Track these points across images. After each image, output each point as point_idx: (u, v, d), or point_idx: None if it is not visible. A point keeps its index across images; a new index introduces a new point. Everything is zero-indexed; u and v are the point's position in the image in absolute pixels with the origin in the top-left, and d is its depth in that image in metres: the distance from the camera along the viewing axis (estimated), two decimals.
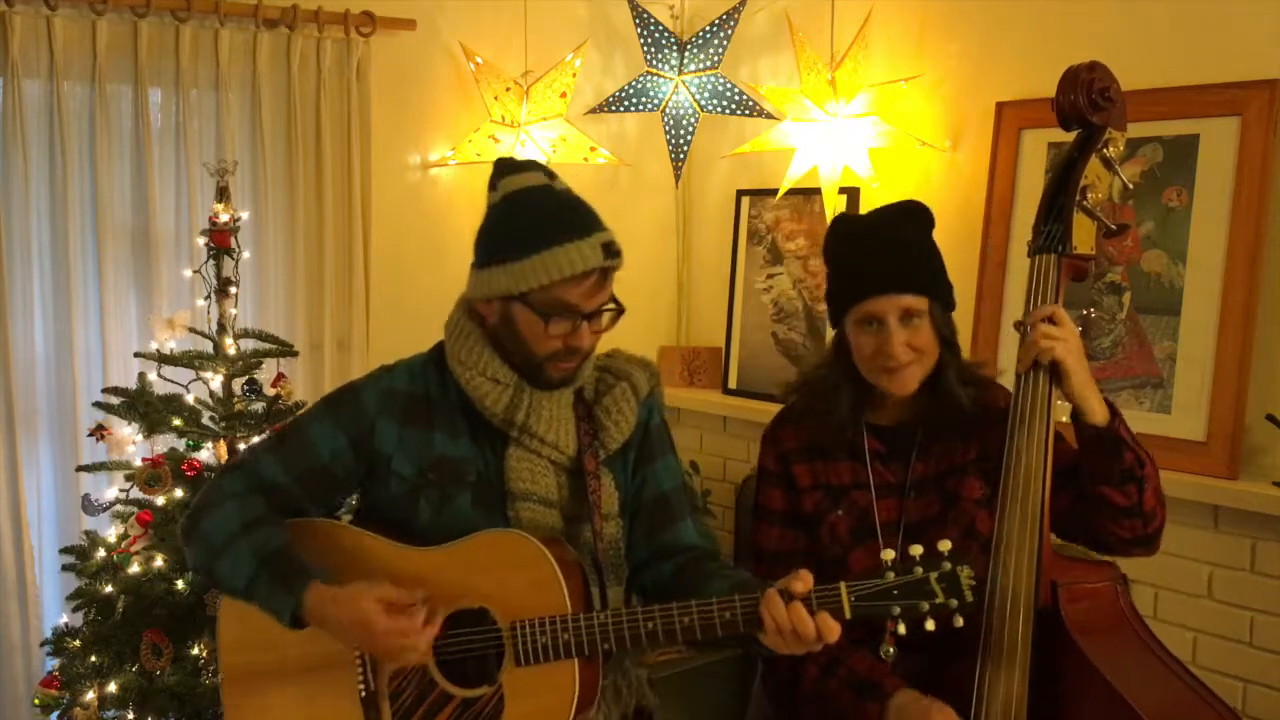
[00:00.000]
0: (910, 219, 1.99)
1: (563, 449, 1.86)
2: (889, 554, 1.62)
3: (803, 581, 1.61)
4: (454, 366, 1.87)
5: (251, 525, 1.79)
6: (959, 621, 1.60)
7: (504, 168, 1.86)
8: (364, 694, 1.79)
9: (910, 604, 1.60)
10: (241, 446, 2.83)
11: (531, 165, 1.87)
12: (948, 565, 1.60)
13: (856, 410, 2.00)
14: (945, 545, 1.61)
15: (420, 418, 1.87)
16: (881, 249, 1.94)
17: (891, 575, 1.61)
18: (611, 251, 1.78)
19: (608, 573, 1.84)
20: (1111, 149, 1.88)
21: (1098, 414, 1.80)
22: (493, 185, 1.85)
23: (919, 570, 1.60)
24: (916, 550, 1.61)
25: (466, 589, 1.76)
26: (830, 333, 2.10)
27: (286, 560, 1.76)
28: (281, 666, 1.82)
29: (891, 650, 1.89)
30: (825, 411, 2.00)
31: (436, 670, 1.76)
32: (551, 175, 1.86)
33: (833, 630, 1.59)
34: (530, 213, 1.78)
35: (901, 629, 1.60)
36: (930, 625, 1.60)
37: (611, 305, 1.83)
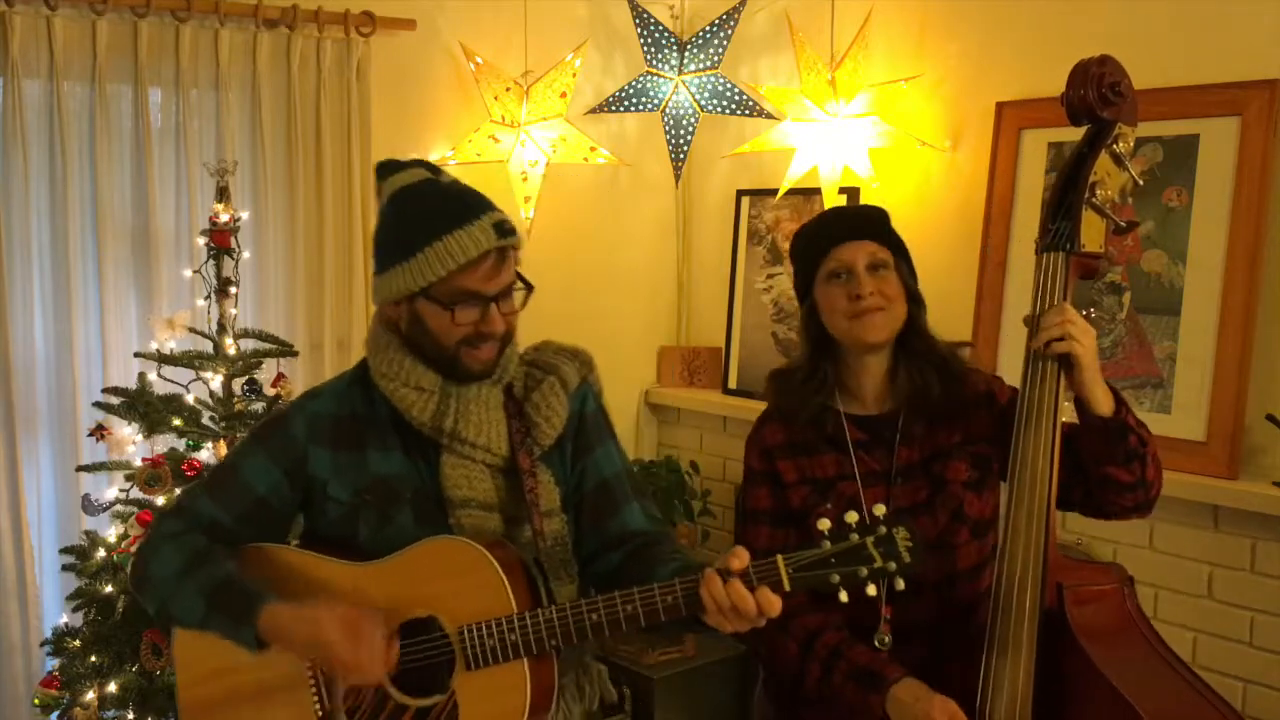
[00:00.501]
0: (866, 209, 2.12)
1: (495, 451, 1.83)
2: (824, 523, 1.61)
3: (739, 558, 1.60)
4: (378, 380, 1.84)
5: (192, 562, 1.78)
6: (900, 584, 1.58)
7: (385, 169, 1.84)
8: (320, 713, 1.79)
9: (849, 570, 1.58)
10: None
11: (413, 163, 1.84)
12: (883, 529, 1.59)
13: (822, 381, 2.01)
14: (880, 509, 1.60)
15: (351, 440, 1.85)
16: (845, 214, 2.13)
17: (828, 544, 1.59)
18: (505, 230, 1.75)
19: (556, 570, 1.82)
20: (1121, 145, 1.87)
21: (1104, 405, 1.81)
22: (378, 191, 1.84)
23: (854, 536, 1.59)
24: (852, 517, 1.60)
25: (412, 599, 1.74)
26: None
27: (233, 590, 1.75)
28: (238, 694, 1.81)
29: (887, 639, 1.89)
30: (791, 389, 2.02)
31: (389, 682, 1.75)
32: (436, 170, 1.84)
33: (773, 604, 1.58)
34: (415, 207, 1.76)
35: (843, 596, 1.58)
36: (871, 590, 1.59)
37: (520, 285, 1.80)
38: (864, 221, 2.02)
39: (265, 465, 1.85)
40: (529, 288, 1.81)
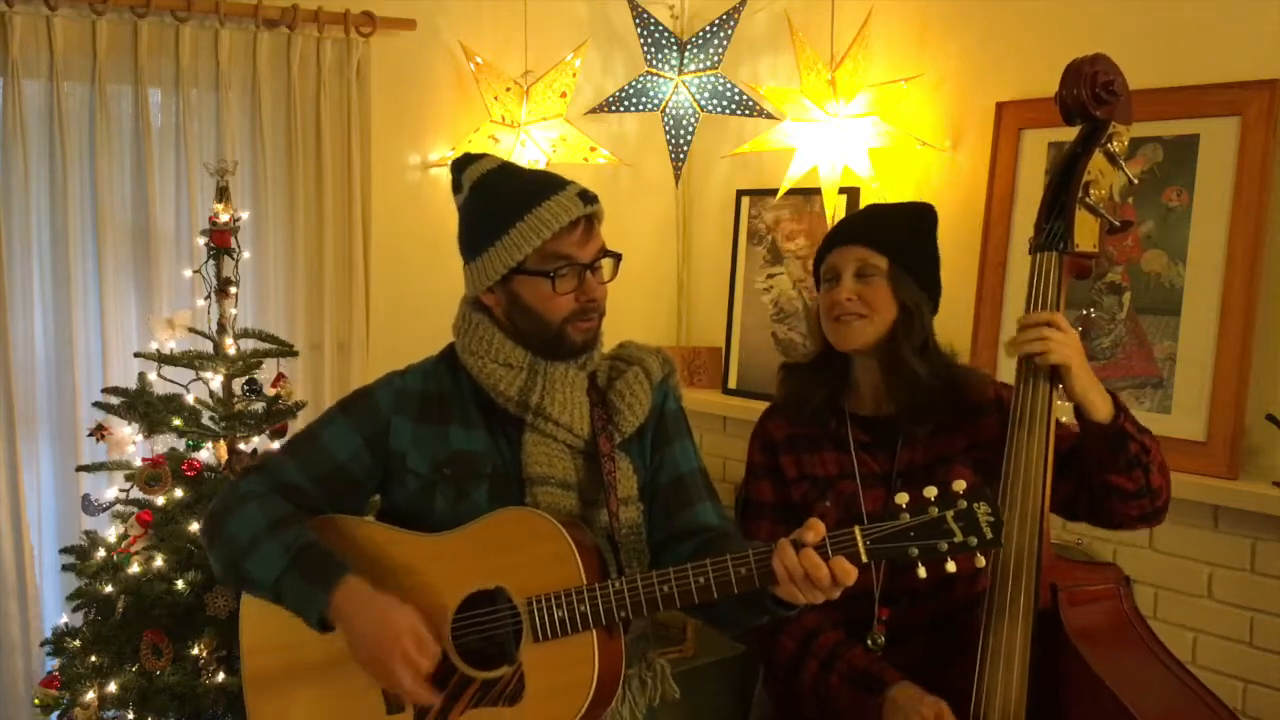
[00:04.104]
0: (907, 207, 2.07)
1: (577, 431, 1.84)
2: (903, 497, 1.58)
3: (814, 531, 1.58)
4: (465, 359, 1.87)
5: (278, 523, 1.79)
6: (980, 561, 1.56)
7: (461, 164, 1.90)
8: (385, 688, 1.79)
9: (928, 544, 1.55)
10: (242, 446, 2.83)
11: (485, 154, 1.91)
12: (964, 503, 1.56)
13: (827, 379, 2.03)
14: (960, 485, 1.57)
15: (434, 414, 1.88)
16: (858, 214, 2.09)
17: (906, 517, 1.57)
18: (589, 198, 1.81)
19: (629, 558, 1.82)
20: (1115, 144, 1.86)
21: (1101, 411, 1.80)
22: (457, 186, 1.89)
23: (934, 510, 1.56)
24: (931, 491, 1.58)
25: (481, 570, 1.74)
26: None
27: (317, 554, 1.75)
28: (304, 664, 1.81)
29: (880, 639, 1.89)
30: (803, 389, 2.03)
31: (455, 654, 1.75)
32: (506, 160, 1.91)
33: (849, 573, 1.55)
34: (501, 189, 1.81)
35: (922, 572, 1.56)
36: (951, 566, 1.56)
37: (607, 254, 1.84)
38: (865, 225, 2.03)
39: (346, 431, 1.87)
40: (617, 256, 1.85)
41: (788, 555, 1.57)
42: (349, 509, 1.91)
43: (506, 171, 1.85)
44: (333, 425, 1.89)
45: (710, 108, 3.79)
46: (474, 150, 3.62)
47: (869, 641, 1.87)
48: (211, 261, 2.88)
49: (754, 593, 1.63)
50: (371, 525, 1.87)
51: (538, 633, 1.69)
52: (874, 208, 2.18)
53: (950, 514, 1.56)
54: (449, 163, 1.92)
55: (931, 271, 2.02)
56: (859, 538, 1.57)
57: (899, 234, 2.01)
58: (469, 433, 1.87)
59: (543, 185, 1.80)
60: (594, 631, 1.68)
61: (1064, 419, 1.86)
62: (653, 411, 1.91)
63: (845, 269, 1.98)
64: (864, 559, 1.57)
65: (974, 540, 1.55)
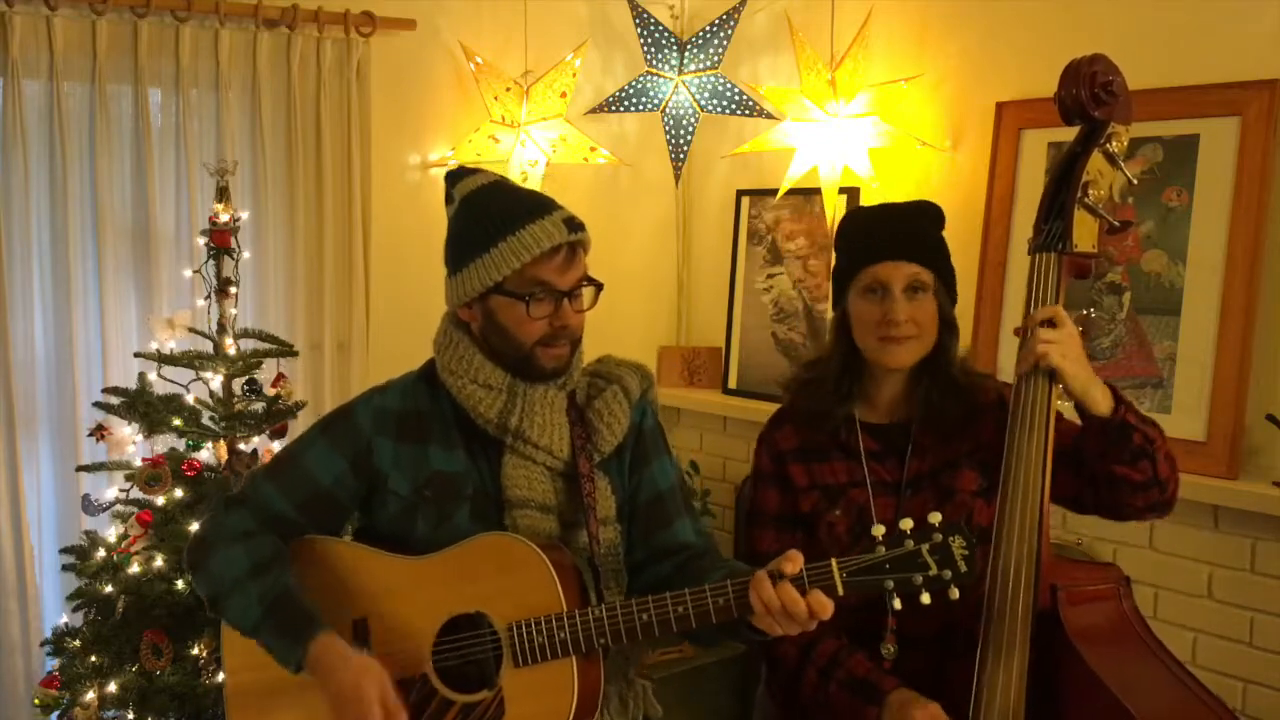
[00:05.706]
0: (923, 212, 2.03)
1: (556, 454, 1.85)
2: (879, 529, 1.60)
3: (792, 562, 1.60)
4: (445, 377, 1.86)
5: (259, 568, 1.78)
6: (954, 594, 1.58)
7: (455, 176, 1.89)
8: None
9: (903, 577, 1.58)
10: (242, 446, 2.83)
11: (480, 169, 1.91)
12: (939, 536, 1.58)
13: (846, 394, 2.00)
14: (936, 517, 1.58)
15: (414, 434, 1.87)
16: (894, 222, 1.99)
17: (882, 549, 1.59)
18: (574, 225, 1.79)
19: (607, 579, 1.83)
20: (1115, 144, 1.86)
21: (1101, 406, 1.80)
22: (449, 197, 1.88)
23: (909, 543, 1.58)
24: (907, 524, 1.59)
25: (463, 594, 1.76)
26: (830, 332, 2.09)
27: (292, 606, 1.75)
28: (285, 684, 1.81)
29: (892, 648, 1.89)
30: (815, 398, 2.01)
31: (436, 677, 1.76)
32: (501, 176, 1.90)
33: (825, 607, 1.57)
34: (491, 206, 1.81)
35: (897, 604, 1.58)
36: (926, 599, 1.58)
37: (589, 283, 1.84)
38: (911, 239, 1.95)
39: (329, 455, 1.86)
40: (598, 285, 1.85)
41: (765, 590, 1.59)
42: (331, 530, 1.91)
43: (497, 189, 1.85)
44: (314, 448, 1.88)
45: (710, 108, 3.79)
46: (474, 150, 3.63)
47: (881, 651, 1.87)
48: (211, 261, 2.88)
49: (731, 621, 1.65)
50: (353, 547, 1.87)
51: (518, 658, 1.71)
52: (900, 214, 2.03)
53: (926, 547, 1.58)
54: (444, 172, 1.92)
55: (953, 272, 2.01)
56: (835, 571, 1.59)
57: (937, 246, 1.97)
58: (449, 453, 1.86)
59: (530, 208, 1.79)
60: (573, 657, 1.70)
61: (1066, 415, 1.86)
62: (631, 429, 1.92)
63: (895, 284, 1.91)
64: (840, 592, 1.59)
65: (948, 574, 1.57)
